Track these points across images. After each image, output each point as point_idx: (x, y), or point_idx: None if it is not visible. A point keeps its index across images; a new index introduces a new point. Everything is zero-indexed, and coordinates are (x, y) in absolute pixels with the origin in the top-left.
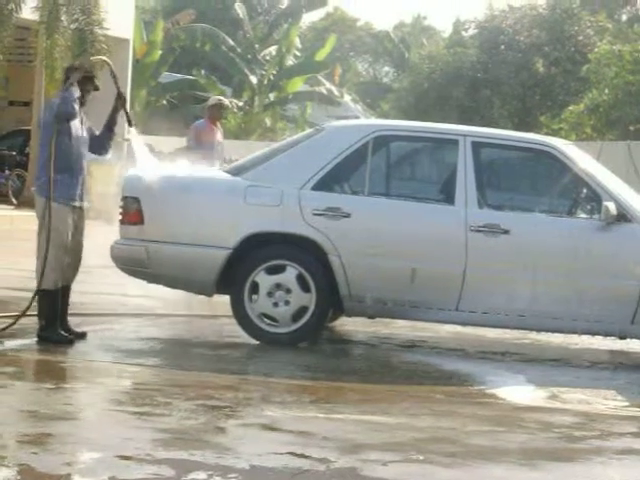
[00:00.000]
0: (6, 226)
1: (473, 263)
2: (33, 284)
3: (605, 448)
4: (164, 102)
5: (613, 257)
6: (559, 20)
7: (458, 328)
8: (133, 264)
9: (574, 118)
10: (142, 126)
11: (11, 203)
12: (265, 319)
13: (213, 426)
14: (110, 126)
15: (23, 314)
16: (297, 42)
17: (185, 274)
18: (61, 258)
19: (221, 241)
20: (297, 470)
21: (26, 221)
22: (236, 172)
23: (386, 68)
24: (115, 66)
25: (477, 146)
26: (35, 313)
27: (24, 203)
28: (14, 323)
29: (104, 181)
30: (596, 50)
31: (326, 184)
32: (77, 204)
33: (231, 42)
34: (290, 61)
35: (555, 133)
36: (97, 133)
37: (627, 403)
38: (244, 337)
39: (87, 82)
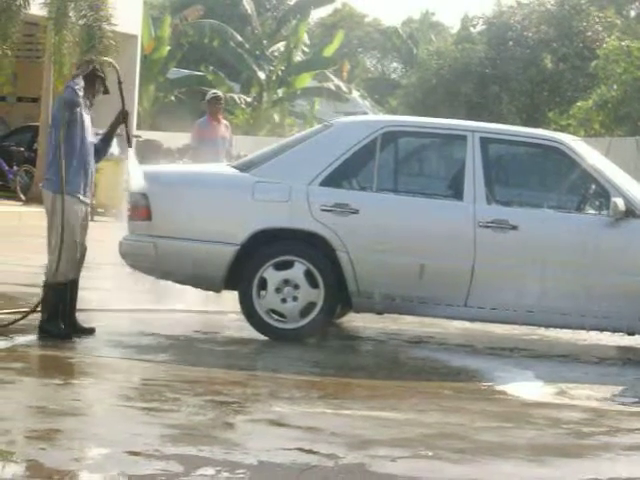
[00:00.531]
0: (14, 222)
1: (481, 259)
2: (41, 280)
3: (613, 444)
4: (172, 98)
5: (621, 253)
6: (567, 16)
7: (466, 324)
8: (141, 260)
9: (582, 114)
10: (150, 122)
11: (19, 199)
12: (273, 315)
13: (221, 422)
14: (107, 139)
15: (34, 310)
16: (305, 38)
17: (193, 270)
18: (74, 251)
19: (229, 237)
20: (305, 466)
21: (34, 217)
22: (244, 168)
23: (394, 64)
24: (123, 62)
25: (485, 142)
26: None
27: (32, 199)
28: (24, 317)
29: (112, 177)
30: (604, 46)
31: (334, 180)
32: (85, 198)
33: (239, 38)
34: (298, 57)
35: (563, 129)
36: (95, 140)
37: (635, 399)
38: (252, 333)
39: (97, 82)
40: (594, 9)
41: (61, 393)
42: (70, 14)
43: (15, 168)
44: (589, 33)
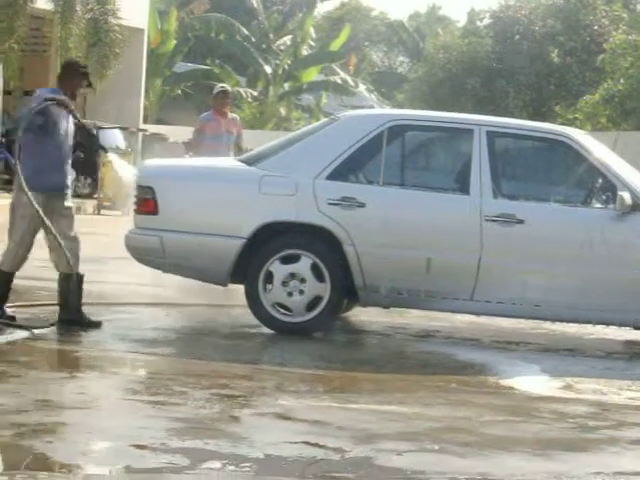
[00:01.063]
0: None
1: (488, 253)
2: (45, 273)
3: (619, 438)
4: (178, 92)
5: (628, 247)
6: (574, 10)
7: (473, 318)
8: (147, 253)
9: (589, 108)
10: (156, 116)
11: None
12: (279, 308)
13: (227, 415)
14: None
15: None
16: (312, 32)
17: (199, 263)
18: (20, 245)
19: (236, 230)
20: (311, 459)
21: None
22: (251, 162)
23: (401, 58)
24: (130, 56)
25: (492, 136)
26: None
27: None
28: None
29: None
30: (611, 40)
31: (341, 174)
32: (57, 192)
33: (246, 32)
34: (305, 51)
35: (570, 123)
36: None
37: None
38: (258, 326)
39: (82, 78)
40: (601, 3)
41: (67, 386)
42: (76, 8)
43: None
44: (596, 27)
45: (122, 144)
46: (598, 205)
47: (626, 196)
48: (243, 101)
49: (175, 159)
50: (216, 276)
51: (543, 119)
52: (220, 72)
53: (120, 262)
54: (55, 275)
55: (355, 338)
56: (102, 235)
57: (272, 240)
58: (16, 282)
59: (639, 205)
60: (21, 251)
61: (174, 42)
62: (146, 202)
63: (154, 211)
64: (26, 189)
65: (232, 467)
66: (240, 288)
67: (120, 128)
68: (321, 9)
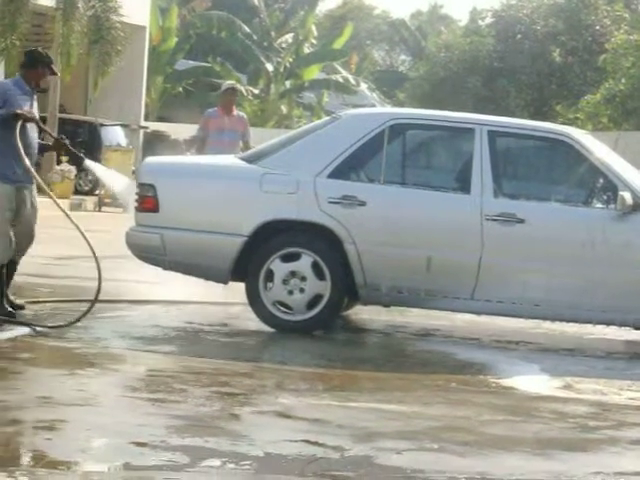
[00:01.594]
0: None
1: (488, 252)
2: (48, 270)
3: (619, 438)
4: (180, 89)
5: (629, 247)
6: (576, 9)
7: (473, 317)
8: (148, 251)
9: (590, 108)
10: (158, 113)
11: None
12: (280, 307)
13: (227, 413)
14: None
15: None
16: (314, 30)
17: (200, 261)
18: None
19: (237, 228)
20: (311, 457)
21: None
22: (252, 159)
23: (402, 56)
24: (131, 53)
25: (493, 135)
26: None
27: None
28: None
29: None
30: (613, 40)
31: (342, 172)
32: (22, 184)
33: (247, 29)
34: (306, 49)
35: (571, 123)
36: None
37: None
38: (259, 325)
39: (45, 68)
40: (603, 2)
41: (67, 384)
42: (78, 5)
43: None
44: (598, 27)
45: (123, 141)
46: (599, 205)
47: (627, 196)
48: (244, 99)
49: (176, 156)
50: (217, 274)
51: (544, 119)
52: (221, 70)
53: (120, 259)
54: (60, 272)
55: (355, 337)
56: (103, 232)
57: (273, 238)
58: (21, 279)
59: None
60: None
61: (175, 39)
62: (147, 199)
63: (155, 208)
64: None
65: (232, 465)
66: (241, 286)
67: (121, 125)
68: (323, 7)
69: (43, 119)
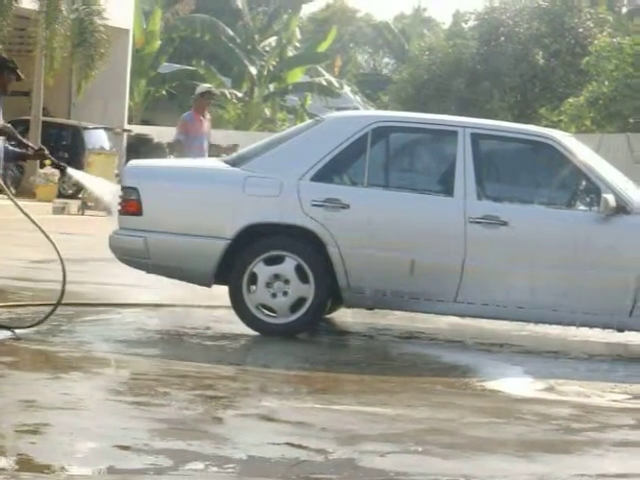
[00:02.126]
0: (1, 216)
1: (472, 255)
2: (29, 273)
3: (602, 440)
4: (163, 92)
5: (612, 249)
6: (559, 12)
7: (456, 319)
8: (132, 254)
9: (574, 110)
10: (141, 116)
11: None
12: (263, 310)
13: (211, 416)
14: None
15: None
16: (297, 33)
17: (183, 264)
18: None
19: (220, 231)
20: (295, 461)
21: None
22: (235, 163)
23: (386, 59)
24: (115, 56)
25: (476, 138)
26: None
27: (22, 193)
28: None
29: (103, 170)
30: (596, 42)
31: (325, 175)
32: None
33: (231, 32)
34: (290, 52)
35: (555, 125)
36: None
37: (625, 395)
38: (242, 328)
39: (10, 73)
40: (586, 5)
41: (51, 387)
42: (62, 8)
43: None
44: (581, 29)
45: (107, 145)
46: (582, 207)
47: (610, 198)
48: (228, 102)
49: (159, 160)
50: (200, 277)
51: (528, 121)
52: (205, 73)
53: (103, 262)
54: (41, 276)
55: (339, 339)
56: (86, 236)
57: (256, 241)
58: (1, 282)
59: (623, 207)
60: None
61: (159, 43)
62: (130, 203)
63: (138, 212)
64: None
65: (215, 468)
66: (224, 289)
67: (105, 129)
68: (306, 10)
69: (26, 122)
